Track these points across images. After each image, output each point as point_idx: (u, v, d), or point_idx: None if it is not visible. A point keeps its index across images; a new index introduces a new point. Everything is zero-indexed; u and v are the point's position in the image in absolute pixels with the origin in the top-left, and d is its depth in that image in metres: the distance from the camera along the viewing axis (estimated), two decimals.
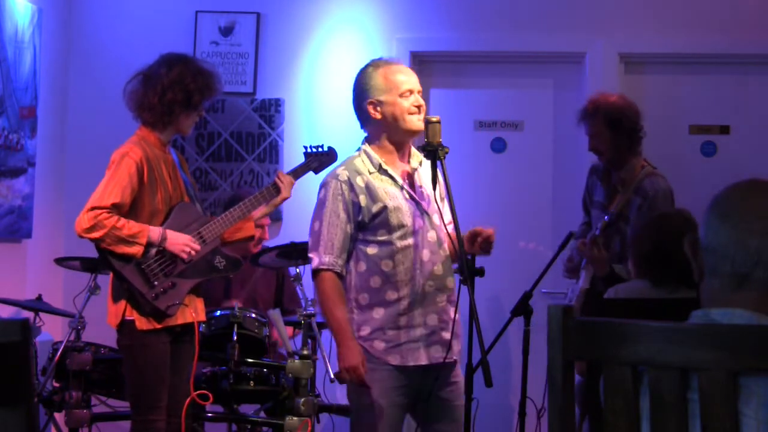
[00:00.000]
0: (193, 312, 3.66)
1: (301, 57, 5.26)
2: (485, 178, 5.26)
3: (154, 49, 3.94)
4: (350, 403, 3.41)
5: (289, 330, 4.38)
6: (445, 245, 3.39)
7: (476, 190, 5.19)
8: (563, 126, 5.14)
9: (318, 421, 4.18)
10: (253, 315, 4.15)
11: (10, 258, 4.88)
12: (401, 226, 3.31)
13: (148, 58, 3.81)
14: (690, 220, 3.38)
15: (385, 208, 3.30)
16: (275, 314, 3.78)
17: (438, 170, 3.25)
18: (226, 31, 5.28)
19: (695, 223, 3.29)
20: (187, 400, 3.60)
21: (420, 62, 5.27)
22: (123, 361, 3.72)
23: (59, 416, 4.21)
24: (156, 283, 3.56)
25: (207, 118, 5.17)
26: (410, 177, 3.41)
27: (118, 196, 3.51)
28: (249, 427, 4.16)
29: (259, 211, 3.87)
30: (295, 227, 4.90)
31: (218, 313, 4.13)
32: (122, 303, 3.58)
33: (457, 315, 3.36)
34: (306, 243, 3.48)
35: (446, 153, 3.26)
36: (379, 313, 3.31)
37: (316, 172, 3.98)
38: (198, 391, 3.64)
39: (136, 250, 3.52)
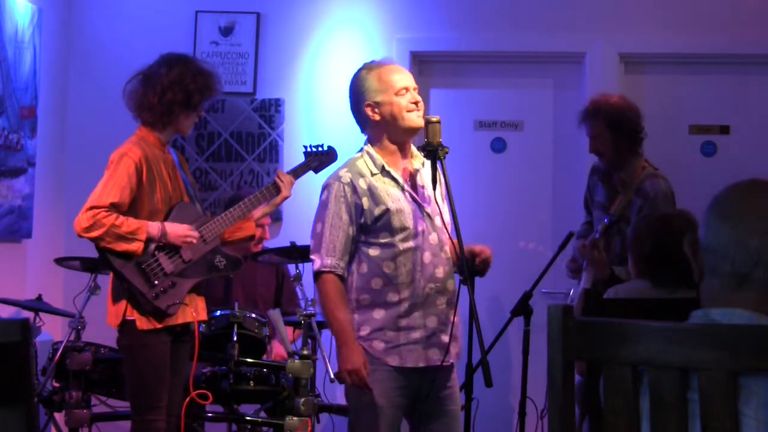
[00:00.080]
0: (193, 311, 3.67)
1: (301, 57, 5.26)
2: (485, 178, 5.26)
3: (154, 49, 3.94)
4: (349, 403, 3.41)
5: (289, 330, 4.38)
6: (446, 248, 3.39)
7: (476, 190, 5.19)
8: (563, 126, 5.14)
9: (318, 421, 4.18)
10: (253, 315, 4.15)
11: (10, 258, 4.88)
12: (403, 228, 3.31)
13: (148, 58, 3.81)
14: (691, 220, 3.38)
15: (387, 210, 3.30)
16: (275, 314, 3.78)
17: (438, 170, 3.25)
18: (226, 31, 5.28)
19: (696, 224, 3.29)
20: (187, 399, 3.61)
21: (420, 62, 5.27)
22: (123, 361, 3.72)
23: (59, 416, 4.21)
24: (156, 282, 3.56)
25: (207, 118, 5.17)
26: (413, 178, 3.41)
27: (117, 196, 3.51)
28: (249, 427, 4.15)
29: (260, 211, 3.87)
30: (296, 227, 4.91)
31: (218, 313, 4.12)
32: (122, 303, 3.58)
33: (456, 318, 3.36)
34: (307, 246, 3.48)
35: (446, 153, 3.27)
36: (379, 314, 3.31)
37: (316, 171, 3.98)
38: (198, 391, 3.64)
39: (137, 246, 3.52)
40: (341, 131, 4.67)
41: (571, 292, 4.51)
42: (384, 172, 3.35)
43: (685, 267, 1.78)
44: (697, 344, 1.50)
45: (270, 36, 5.28)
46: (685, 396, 1.52)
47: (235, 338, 4.00)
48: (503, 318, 4.18)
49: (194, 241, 3.64)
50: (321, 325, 3.92)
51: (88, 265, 4.25)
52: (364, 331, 3.31)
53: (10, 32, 4.71)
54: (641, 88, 5.12)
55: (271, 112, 5.24)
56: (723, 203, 1.66)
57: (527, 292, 4.03)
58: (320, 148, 3.98)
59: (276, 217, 5.06)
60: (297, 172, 3.94)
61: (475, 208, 5.07)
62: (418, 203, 3.36)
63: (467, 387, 3.20)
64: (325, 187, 3.38)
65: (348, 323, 3.29)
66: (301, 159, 4.00)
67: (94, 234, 3.49)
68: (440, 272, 3.34)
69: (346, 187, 3.31)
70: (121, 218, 3.51)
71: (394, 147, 3.40)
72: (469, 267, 3.18)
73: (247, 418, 4.08)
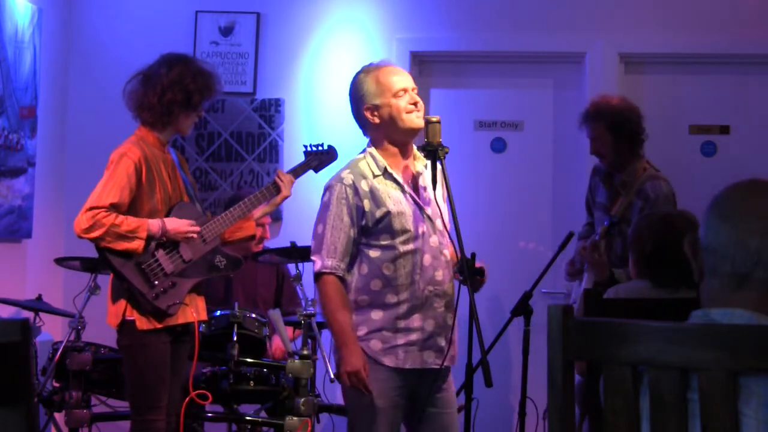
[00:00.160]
0: (193, 311, 3.66)
1: (301, 57, 5.26)
2: (485, 178, 5.26)
3: (154, 49, 3.94)
4: (347, 403, 3.40)
5: (289, 330, 4.38)
6: (446, 251, 3.38)
7: (476, 190, 5.19)
8: (563, 126, 5.14)
9: (318, 421, 4.18)
10: (253, 315, 4.16)
11: (10, 258, 4.88)
12: (404, 230, 3.30)
13: (148, 58, 3.81)
14: (693, 221, 3.37)
15: (388, 213, 3.29)
16: (275, 314, 3.78)
17: (438, 170, 3.25)
18: (226, 31, 5.28)
19: (697, 224, 3.28)
20: (186, 399, 3.60)
21: (420, 62, 5.27)
22: (123, 361, 3.72)
23: (59, 416, 4.21)
24: (156, 282, 3.56)
25: (207, 118, 5.17)
26: (414, 180, 3.40)
27: (117, 196, 3.51)
28: (249, 427, 4.15)
29: (260, 210, 3.87)
30: (296, 227, 4.91)
31: (218, 313, 4.13)
32: (122, 303, 3.58)
33: (454, 321, 3.36)
34: (307, 246, 3.48)
35: (446, 153, 3.26)
36: (377, 315, 3.30)
37: (317, 170, 3.98)
38: (197, 391, 3.64)
39: (137, 245, 3.52)
40: (341, 131, 4.67)
41: (572, 293, 4.51)
42: (386, 174, 3.35)
43: (686, 267, 1.78)
44: (697, 344, 1.50)
45: (270, 36, 5.28)
46: (685, 396, 1.52)
47: (235, 338, 4.00)
48: (503, 318, 4.18)
49: (195, 235, 3.64)
50: (321, 325, 3.92)
51: (88, 265, 4.25)
52: (362, 331, 3.31)
53: (10, 32, 4.71)
54: (641, 88, 5.12)
55: (271, 112, 5.24)
56: (723, 203, 1.66)
57: (527, 292, 4.03)
58: (320, 148, 3.98)
59: (276, 216, 5.06)
60: (297, 172, 3.94)
61: (475, 208, 5.07)
62: (420, 205, 3.36)
63: (467, 387, 3.20)
64: (327, 188, 3.37)
65: (348, 325, 3.28)
66: (301, 159, 4.00)
67: (94, 234, 3.48)
68: (440, 275, 3.34)
69: (348, 188, 3.31)
70: (121, 217, 3.51)
71: (395, 149, 3.39)
72: (469, 267, 3.18)
73: (247, 418, 4.08)
